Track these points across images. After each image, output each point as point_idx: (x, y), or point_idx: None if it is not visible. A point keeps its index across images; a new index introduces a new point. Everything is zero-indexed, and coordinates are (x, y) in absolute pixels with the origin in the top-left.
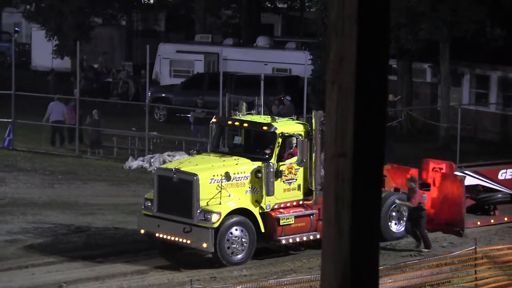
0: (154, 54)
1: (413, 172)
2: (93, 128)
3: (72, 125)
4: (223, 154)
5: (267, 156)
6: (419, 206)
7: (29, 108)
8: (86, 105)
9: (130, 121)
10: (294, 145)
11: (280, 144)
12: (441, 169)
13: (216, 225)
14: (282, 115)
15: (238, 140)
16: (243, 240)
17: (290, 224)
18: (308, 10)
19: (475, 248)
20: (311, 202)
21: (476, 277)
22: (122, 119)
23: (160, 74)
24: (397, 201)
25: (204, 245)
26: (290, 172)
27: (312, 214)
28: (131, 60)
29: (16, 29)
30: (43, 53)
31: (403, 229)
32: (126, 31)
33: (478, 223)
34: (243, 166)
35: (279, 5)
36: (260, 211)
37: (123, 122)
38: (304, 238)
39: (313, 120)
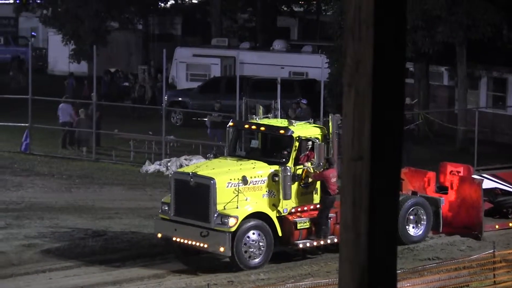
0: (171, 58)
1: (431, 175)
2: (86, 129)
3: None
4: (240, 158)
5: (284, 159)
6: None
7: (45, 112)
8: (103, 109)
9: (147, 125)
10: (311, 148)
11: (297, 148)
12: (458, 172)
13: (233, 229)
14: (299, 118)
15: (255, 143)
16: (261, 244)
17: (307, 227)
18: (324, 13)
19: (494, 251)
20: (333, 206)
21: (494, 281)
22: (139, 123)
23: (176, 78)
24: None
25: (221, 249)
26: (307, 176)
27: (330, 218)
28: (147, 64)
29: (32, 33)
30: (60, 57)
31: (421, 232)
32: (143, 35)
33: (496, 226)
34: (260, 170)
35: (295, 9)
36: (277, 215)
37: (140, 126)
38: (322, 242)
39: (330, 124)
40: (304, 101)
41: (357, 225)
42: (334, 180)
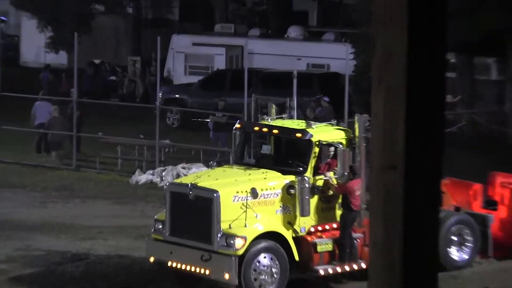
0: (167, 48)
1: (477, 187)
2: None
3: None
4: (249, 166)
5: (301, 168)
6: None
7: (16, 111)
8: (85, 108)
9: (137, 127)
10: (334, 155)
11: (316, 155)
12: (510, 184)
13: (240, 252)
14: (319, 119)
15: (266, 149)
16: (273, 270)
17: (330, 250)
18: None
19: None
20: (355, 224)
21: None
22: (128, 125)
23: (173, 71)
24: None
25: (226, 276)
26: (328, 188)
27: (356, 239)
28: (139, 54)
29: (2, 18)
30: (35, 46)
31: (466, 256)
32: (133, 20)
33: None
34: (273, 181)
35: None
36: (294, 235)
37: (129, 128)
38: (346, 268)
39: (356, 126)
40: (325, 99)
41: (389, 247)
42: (358, 193)
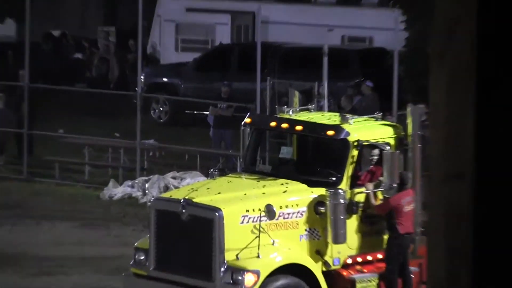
0: (151, 15)
1: None
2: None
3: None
4: (263, 175)
5: (334, 178)
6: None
7: None
8: (40, 97)
9: (111, 122)
10: (378, 160)
11: (355, 160)
12: None
13: None
14: (359, 111)
15: (286, 153)
16: None
17: None
18: None
19: None
20: (408, 253)
21: None
22: (98, 119)
23: (159, 47)
24: None
25: None
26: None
27: (411, 274)
28: (113, 24)
29: None
30: None
31: None
32: None
33: None
34: (296, 195)
35: None
36: (324, 269)
37: (100, 123)
38: None
39: (409, 120)
40: (369, 84)
41: (454, 285)
42: (408, 209)
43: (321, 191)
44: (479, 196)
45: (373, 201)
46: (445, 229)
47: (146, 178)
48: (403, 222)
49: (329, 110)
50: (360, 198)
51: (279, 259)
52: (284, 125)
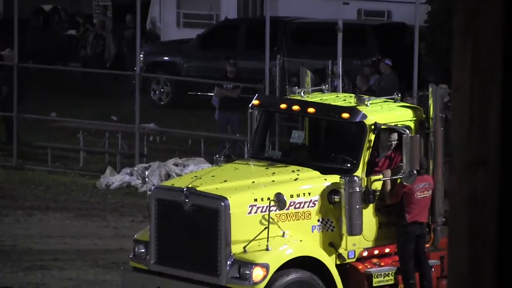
0: None
1: None
2: None
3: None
4: (273, 161)
5: (349, 165)
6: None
7: None
8: (29, 77)
9: (107, 104)
10: (398, 145)
11: (372, 144)
12: None
13: (260, 287)
14: (377, 92)
15: (298, 137)
16: None
17: (391, 284)
18: None
19: None
20: (428, 246)
21: None
22: (94, 101)
23: (160, 22)
24: None
25: None
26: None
27: (430, 267)
28: None
29: None
30: None
31: None
32: None
33: None
34: (308, 183)
35: None
36: (338, 262)
37: (96, 106)
38: None
39: (431, 102)
40: (388, 62)
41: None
42: (421, 196)
43: (335, 178)
44: (504, 184)
45: (388, 189)
46: (468, 219)
47: (146, 165)
48: (413, 210)
49: (344, 91)
50: (377, 186)
51: (289, 252)
52: (295, 107)
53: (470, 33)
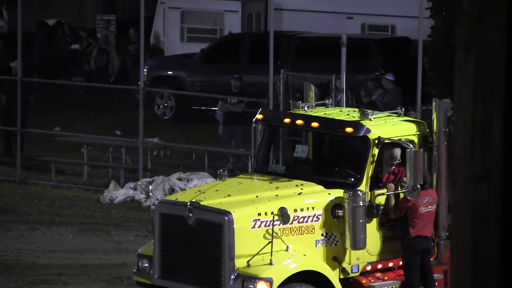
0: (154, 2)
1: None
2: None
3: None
4: (276, 176)
5: (353, 179)
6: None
7: None
8: (34, 91)
9: (111, 119)
10: (401, 160)
11: (376, 159)
12: None
13: None
14: (380, 106)
15: (301, 151)
16: None
17: None
18: None
19: None
20: (431, 260)
21: None
22: (97, 116)
23: (164, 37)
24: None
25: None
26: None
27: (435, 282)
28: (113, 12)
29: None
30: None
31: None
32: None
33: None
34: (312, 198)
35: None
36: (342, 276)
37: (100, 120)
38: None
39: (434, 116)
40: (388, 77)
41: None
42: (425, 210)
43: (339, 193)
44: (507, 196)
45: (392, 204)
46: (471, 232)
47: (150, 179)
48: (417, 224)
49: (348, 105)
50: (381, 200)
51: (293, 266)
52: (299, 122)
53: (472, 46)
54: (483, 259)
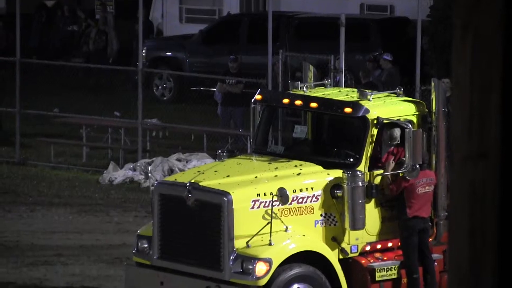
0: None
1: None
2: None
3: None
4: (275, 156)
5: (352, 159)
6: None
7: None
8: (33, 72)
9: (110, 100)
10: (399, 140)
11: (374, 139)
12: None
13: (263, 281)
14: (379, 86)
15: (300, 132)
16: None
17: (394, 278)
18: None
19: None
20: (430, 240)
21: None
22: (96, 97)
23: (162, 18)
24: None
25: None
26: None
27: (434, 262)
28: None
29: None
30: None
31: None
32: None
33: None
34: (311, 178)
35: None
36: (341, 257)
37: (99, 102)
38: None
39: (433, 96)
40: (386, 57)
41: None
42: (423, 191)
43: (338, 173)
44: (504, 176)
45: (388, 182)
46: (468, 210)
47: (149, 160)
48: (414, 205)
49: (346, 86)
50: (380, 180)
51: (292, 247)
52: (298, 102)
53: (470, 27)
54: (480, 237)
